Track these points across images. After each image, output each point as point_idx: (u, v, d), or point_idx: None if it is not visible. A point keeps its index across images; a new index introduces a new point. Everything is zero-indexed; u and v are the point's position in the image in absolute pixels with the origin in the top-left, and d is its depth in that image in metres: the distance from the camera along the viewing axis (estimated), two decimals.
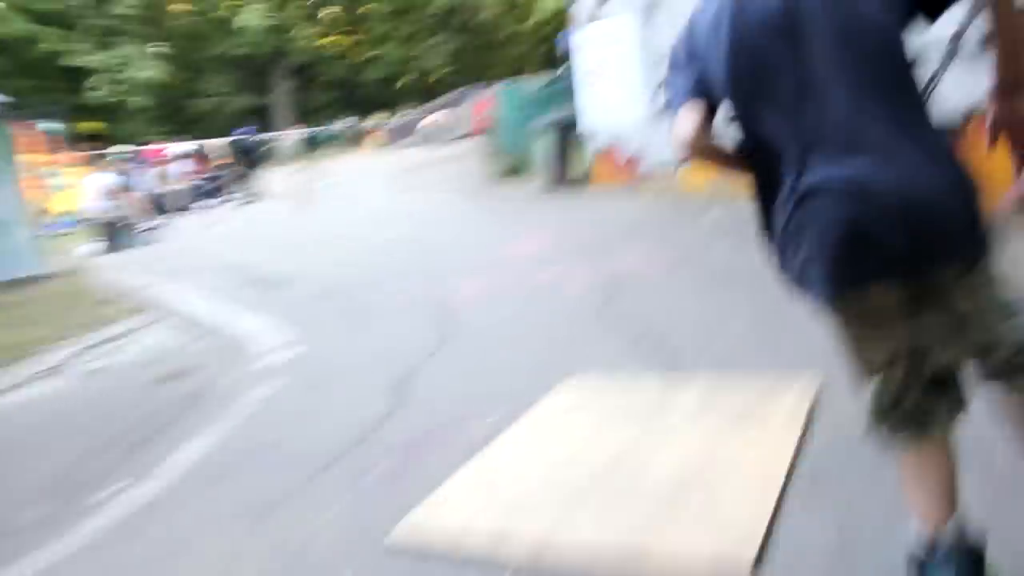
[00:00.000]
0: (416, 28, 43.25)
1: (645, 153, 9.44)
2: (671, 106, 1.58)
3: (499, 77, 44.37)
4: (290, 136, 20.17)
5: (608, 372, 3.42)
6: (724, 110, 1.53)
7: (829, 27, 1.35)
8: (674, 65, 1.59)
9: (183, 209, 16.08)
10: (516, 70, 47.06)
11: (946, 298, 1.40)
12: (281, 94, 37.18)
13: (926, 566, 1.48)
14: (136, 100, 30.25)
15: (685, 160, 1.68)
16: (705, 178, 7.61)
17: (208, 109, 37.10)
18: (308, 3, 39.21)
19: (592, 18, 9.99)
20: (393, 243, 8.43)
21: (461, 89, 40.79)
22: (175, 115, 36.86)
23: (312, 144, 34.56)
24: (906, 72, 1.39)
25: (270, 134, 27.03)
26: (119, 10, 31.51)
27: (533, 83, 14.86)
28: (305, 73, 41.52)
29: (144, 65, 28.50)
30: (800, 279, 1.48)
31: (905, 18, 1.37)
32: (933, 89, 1.44)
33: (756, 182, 1.54)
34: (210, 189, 16.92)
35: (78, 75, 29.67)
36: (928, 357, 1.45)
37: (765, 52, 1.39)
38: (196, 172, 17.87)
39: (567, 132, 10.86)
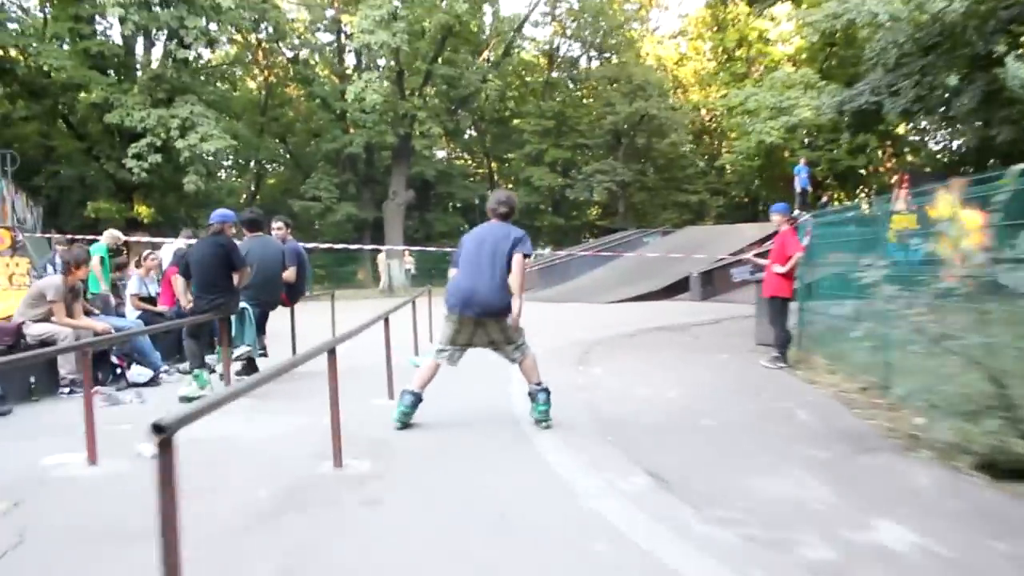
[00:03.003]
0: (574, 150, 34.73)
1: None
2: (452, 264, 5.63)
3: (671, 222, 34.82)
4: (391, 258, 11.08)
5: None
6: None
7: (489, 247, 5.26)
8: (457, 252, 5.51)
9: (68, 386, 6.87)
10: (693, 217, 38.11)
11: (487, 327, 5.34)
12: (395, 208, 29.21)
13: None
14: (198, 181, 22.60)
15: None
16: None
17: (304, 213, 29.56)
18: (445, 115, 32.07)
19: None
20: None
21: (636, 230, 31.48)
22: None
23: (420, 276, 26.02)
24: (506, 266, 5.20)
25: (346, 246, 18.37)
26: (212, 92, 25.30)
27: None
28: (427, 189, 33.97)
29: (213, 139, 21.01)
30: (451, 307, 5.29)
31: (508, 258, 5.23)
32: None
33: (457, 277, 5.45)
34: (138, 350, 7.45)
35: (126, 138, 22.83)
36: (472, 343, 5.40)
37: (473, 247, 5.35)
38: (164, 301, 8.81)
39: None
